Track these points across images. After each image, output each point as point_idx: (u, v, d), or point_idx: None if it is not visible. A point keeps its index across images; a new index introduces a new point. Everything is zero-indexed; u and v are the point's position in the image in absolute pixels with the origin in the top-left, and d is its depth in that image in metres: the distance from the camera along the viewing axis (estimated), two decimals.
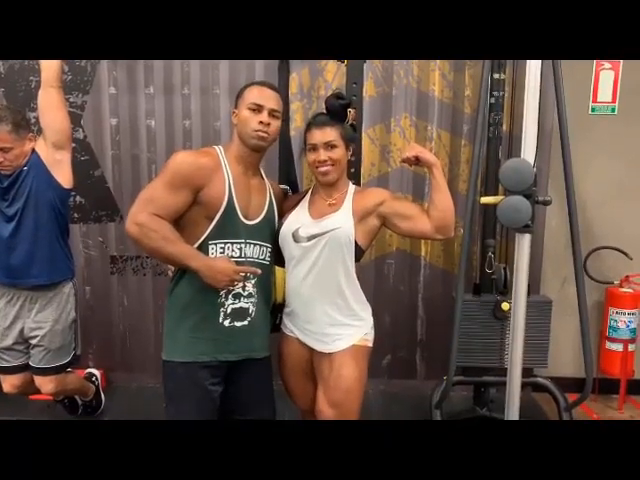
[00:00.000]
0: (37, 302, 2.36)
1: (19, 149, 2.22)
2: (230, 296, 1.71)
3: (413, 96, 2.96)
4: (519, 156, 1.90)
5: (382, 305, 3.03)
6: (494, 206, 1.90)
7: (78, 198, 3.02)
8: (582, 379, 2.24)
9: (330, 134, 1.74)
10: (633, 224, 3.01)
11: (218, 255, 1.68)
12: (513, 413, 1.97)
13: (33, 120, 2.76)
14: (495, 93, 2.43)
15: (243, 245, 1.72)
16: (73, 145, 2.54)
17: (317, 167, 1.76)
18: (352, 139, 1.82)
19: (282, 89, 2.00)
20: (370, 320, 1.86)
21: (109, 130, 2.99)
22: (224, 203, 1.66)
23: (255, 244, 1.75)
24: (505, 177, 1.81)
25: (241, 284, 1.70)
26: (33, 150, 2.28)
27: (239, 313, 1.72)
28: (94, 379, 2.86)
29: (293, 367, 1.89)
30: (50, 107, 2.23)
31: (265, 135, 1.69)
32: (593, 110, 2.95)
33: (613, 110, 2.95)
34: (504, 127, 2.59)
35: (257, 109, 1.68)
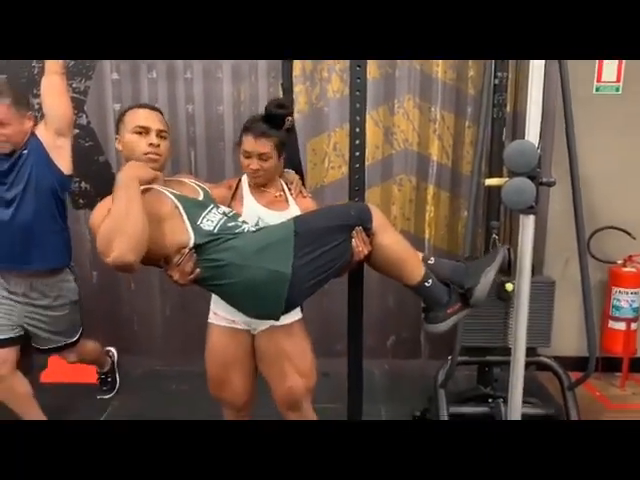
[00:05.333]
0: (37, 289, 2.35)
1: (17, 126, 2.19)
2: None
3: (416, 77, 2.95)
4: (523, 137, 1.90)
5: (386, 286, 3.05)
6: (498, 188, 1.91)
7: (83, 184, 3.04)
8: (585, 358, 2.26)
9: (265, 146, 1.75)
10: (637, 204, 3.02)
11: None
12: (517, 392, 2.00)
13: (37, 106, 2.77)
14: (499, 74, 2.41)
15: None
16: (77, 131, 2.54)
17: (249, 172, 1.81)
18: (284, 144, 1.83)
19: (285, 73, 2.00)
20: None
21: (113, 116, 2.99)
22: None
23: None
24: (509, 159, 1.81)
25: None
26: (33, 134, 2.27)
27: None
28: (110, 354, 2.98)
29: (232, 358, 1.87)
30: (52, 93, 2.22)
31: (156, 157, 1.63)
32: (597, 90, 2.94)
33: (617, 90, 2.93)
34: (508, 108, 2.59)
35: (144, 132, 1.62)
